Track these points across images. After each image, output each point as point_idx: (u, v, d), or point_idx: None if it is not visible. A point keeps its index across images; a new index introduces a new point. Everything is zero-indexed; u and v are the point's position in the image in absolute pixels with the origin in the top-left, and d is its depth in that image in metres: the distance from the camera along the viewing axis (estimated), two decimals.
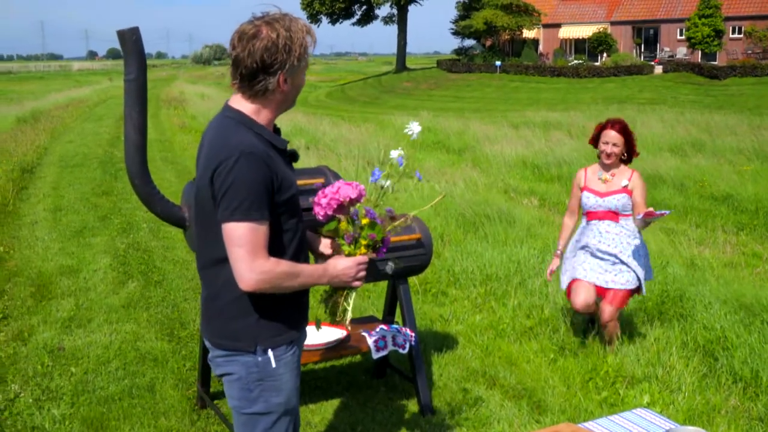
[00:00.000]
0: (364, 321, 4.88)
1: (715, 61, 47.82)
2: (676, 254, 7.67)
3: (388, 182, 2.69)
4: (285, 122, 18.23)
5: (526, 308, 6.10)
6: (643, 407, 3.48)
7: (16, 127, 22.13)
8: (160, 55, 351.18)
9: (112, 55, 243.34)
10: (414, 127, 2.82)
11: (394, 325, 4.49)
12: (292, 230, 2.56)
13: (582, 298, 5.08)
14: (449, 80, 52.56)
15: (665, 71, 46.39)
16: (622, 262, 5.08)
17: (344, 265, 2.59)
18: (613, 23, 53.98)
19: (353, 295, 2.72)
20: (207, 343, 2.65)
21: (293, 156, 2.64)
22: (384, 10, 74.07)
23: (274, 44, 2.40)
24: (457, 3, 61.58)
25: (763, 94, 35.65)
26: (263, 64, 2.41)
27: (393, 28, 64.81)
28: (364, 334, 4.40)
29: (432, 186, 11.04)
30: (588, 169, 5.34)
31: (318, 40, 2.54)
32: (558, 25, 56.08)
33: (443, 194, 3.27)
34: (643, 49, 53.68)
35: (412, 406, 4.58)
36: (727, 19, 47.47)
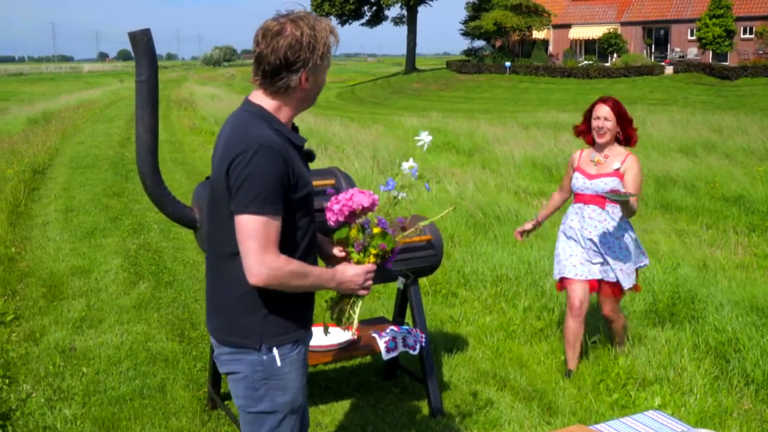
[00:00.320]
0: (374, 322, 4.88)
1: (726, 61, 47.63)
2: (688, 255, 7.64)
3: (402, 194, 2.68)
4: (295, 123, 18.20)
5: (537, 310, 6.09)
6: (655, 409, 3.46)
7: (27, 128, 22.26)
8: (170, 57, 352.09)
9: (123, 56, 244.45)
10: (425, 138, 2.79)
11: (405, 326, 4.49)
12: (304, 228, 2.56)
13: (578, 301, 4.90)
14: (459, 81, 52.53)
15: (676, 72, 46.24)
16: (602, 254, 4.88)
17: (353, 272, 2.59)
18: (623, 24, 53.82)
19: (359, 303, 2.71)
20: (212, 340, 2.64)
21: (309, 155, 2.65)
22: (393, 11, 74.25)
23: (298, 42, 2.40)
24: (466, 4, 61.58)
25: None
26: (286, 61, 2.42)
27: (402, 29, 64.91)
28: (374, 335, 4.40)
29: (442, 187, 11.03)
30: (585, 150, 5.08)
31: None
32: (568, 26, 55.96)
33: (453, 206, 3.25)
34: (653, 50, 53.51)
35: (423, 407, 4.58)
36: (738, 19, 47.27)
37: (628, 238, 4.91)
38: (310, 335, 2.75)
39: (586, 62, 52.05)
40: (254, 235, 2.36)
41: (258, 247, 2.36)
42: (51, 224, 9.70)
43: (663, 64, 48.42)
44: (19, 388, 4.86)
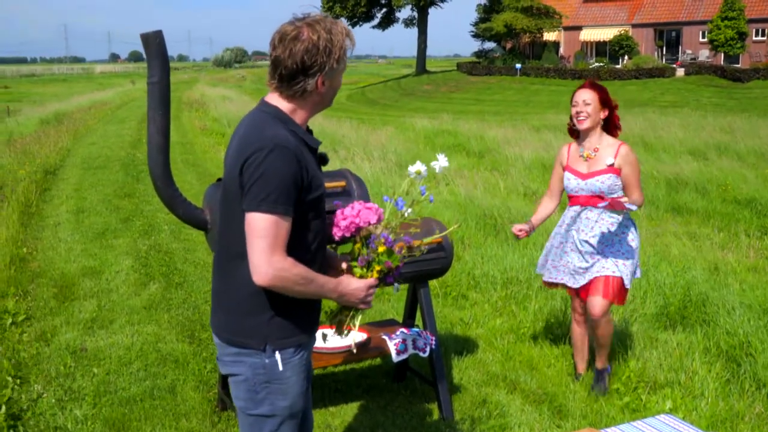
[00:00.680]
0: (384, 324, 4.88)
1: (738, 63, 47.39)
2: (699, 258, 7.60)
3: (408, 210, 2.68)
4: None
5: (547, 312, 6.07)
6: (666, 413, 3.45)
7: (39, 128, 22.38)
8: (181, 58, 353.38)
9: (134, 57, 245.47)
10: (442, 161, 2.76)
11: (415, 329, 4.49)
12: (314, 231, 2.56)
13: (580, 308, 4.77)
14: (469, 83, 52.46)
15: (687, 74, 46.04)
16: (600, 253, 4.52)
17: (355, 285, 2.59)
18: (634, 26, 53.63)
19: (359, 316, 2.72)
20: (216, 340, 2.64)
21: (323, 159, 2.65)
22: (404, 13, 74.20)
23: (315, 46, 2.41)
24: (477, 5, 61.54)
25: None
26: (303, 65, 2.43)
27: (413, 31, 64.85)
28: (384, 337, 4.39)
29: (452, 189, 11.02)
30: (572, 145, 4.68)
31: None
32: (579, 28, 55.81)
33: (458, 224, 3.25)
34: (664, 52, 53.31)
35: (433, 410, 4.57)
36: (751, 21, 47.02)
37: (631, 236, 4.55)
38: (313, 340, 2.76)
39: (597, 64, 51.86)
40: (263, 234, 2.36)
41: (266, 246, 2.36)
42: (62, 225, 9.75)
43: (674, 66, 48.22)
44: (31, 389, 4.88)
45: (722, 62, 47.78)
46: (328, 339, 3.03)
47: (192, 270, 7.54)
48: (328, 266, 2.71)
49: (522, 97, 44.50)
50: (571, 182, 4.55)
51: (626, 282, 4.52)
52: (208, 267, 7.53)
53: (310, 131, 2.61)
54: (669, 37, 53.34)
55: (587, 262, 4.57)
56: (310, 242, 2.55)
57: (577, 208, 4.57)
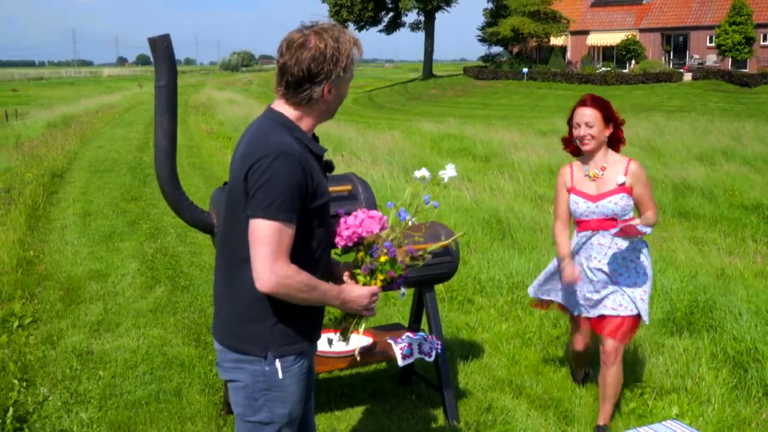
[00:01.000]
0: (390, 328, 4.87)
1: (745, 68, 47.28)
2: (706, 264, 7.58)
3: (413, 219, 2.68)
4: None
5: (553, 317, 6.06)
6: (673, 419, 3.44)
7: (46, 132, 22.47)
8: (188, 62, 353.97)
9: (142, 61, 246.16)
10: (450, 171, 2.77)
11: (421, 333, 4.48)
12: (318, 238, 2.56)
13: (583, 344, 4.50)
14: (476, 87, 52.49)
15: (694, 78, 45.97)
16: (614, 283, 4.15)
17: (358, 293, 2.59)
18: (641, 30, 53.58)
19: (363, 323, 2.72)
20: (217, 345, 2.64)
21: (329, 166, 2.65)
22: (411, 17, 74.23)
23: (322, 54, 2.41)
24: (484, 10, 61.55)
25: None
26: (310, 73, 2.43)
27: (420, 35, 64.93)
28: (390, 341, 4.39)
29: (458, 194, 11.01)
30: (574, 165, 4.24)
31: None
32: (586, 32, 55.78)
33: (464, 231, 3.25)
34: (672, 57, 53.23)
35: (438, 414, 4.56)
36: (758, 26, 46.92)
37: (644, 259, 4.19)
38: (314, 349, 2.76)
39: (604, 69, 51.83)
40: (267, 240, 2.36)
41: (269, 253, 2.36)
42: (69, 228, 9.77)
43: (681, 70, 48.16)
44: (37, 391, 4.89)
45: (730, 67, 47.70)
46: (333, 343, 3.03)
47: (198, 273, 7.55)
48: (331, 274, 2.70)
49: (529, 101, 44.51)
50: (580, 206, 4.15)
51: (644, 317, 4.16)
52: (213, 270, 7.52)
53: (316, 138, 2.62)
54: (676, 41, 53.27)
55: (599, 293, 4.19)
56: (314, 249, 2.55)
57: (587, 233, 4.18)
